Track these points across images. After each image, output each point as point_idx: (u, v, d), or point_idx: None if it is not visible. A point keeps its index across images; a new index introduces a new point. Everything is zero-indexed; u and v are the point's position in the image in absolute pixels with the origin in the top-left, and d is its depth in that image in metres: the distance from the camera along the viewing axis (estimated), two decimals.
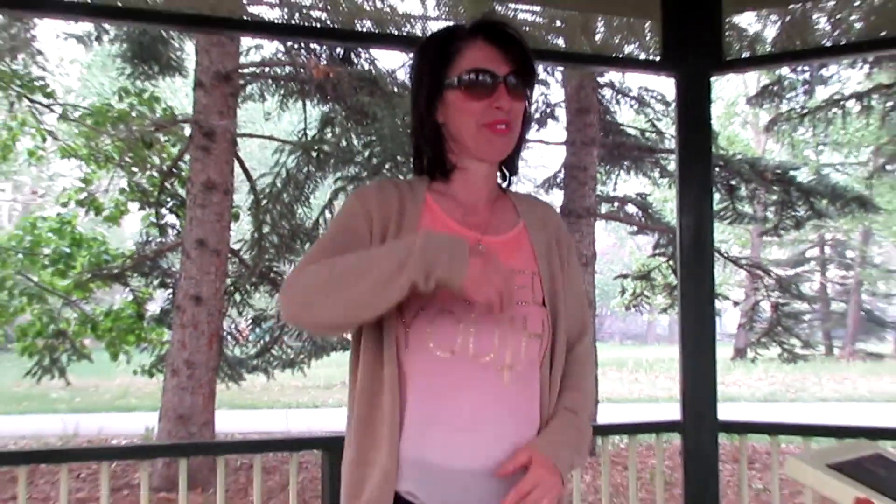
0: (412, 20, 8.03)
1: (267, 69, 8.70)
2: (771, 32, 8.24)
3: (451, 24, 1.55)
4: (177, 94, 11.41)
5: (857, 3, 6.62)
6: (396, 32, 8.15)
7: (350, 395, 1.47)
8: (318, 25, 7.93)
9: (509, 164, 1.57)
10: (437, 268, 1.23)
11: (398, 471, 1.37)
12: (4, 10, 8.22)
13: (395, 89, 8.27)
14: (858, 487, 1.24)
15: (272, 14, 8.01)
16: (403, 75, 8.57)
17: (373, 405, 1.40)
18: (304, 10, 7.36)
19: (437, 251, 1.24)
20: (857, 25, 6.48)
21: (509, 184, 1.61)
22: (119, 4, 7.13)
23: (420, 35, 8.81)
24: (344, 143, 8.31)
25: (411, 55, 5.31)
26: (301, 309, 1.36)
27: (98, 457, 4.12)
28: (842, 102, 8.64)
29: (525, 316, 1.42)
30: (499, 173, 1.59)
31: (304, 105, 8.51)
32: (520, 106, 1.46)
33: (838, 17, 6.75)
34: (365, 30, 8.33)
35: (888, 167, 9.82)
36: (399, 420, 1.38)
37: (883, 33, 5.69)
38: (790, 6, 6.27)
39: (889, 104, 8.22)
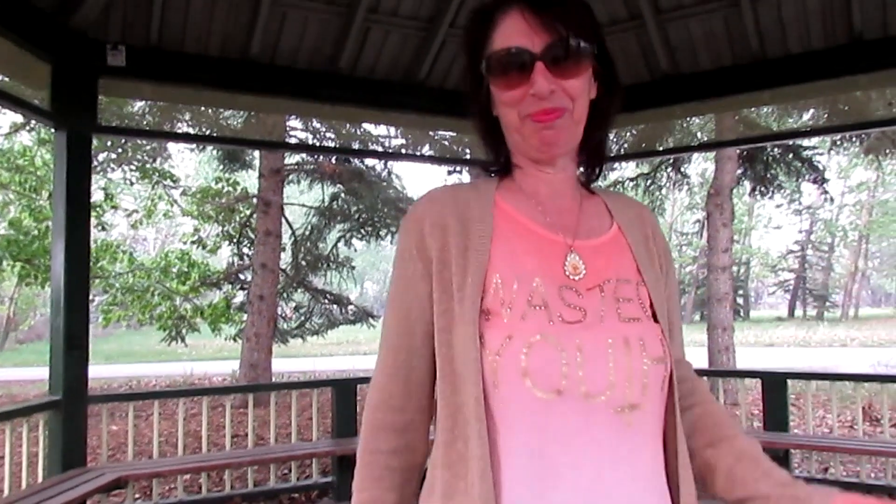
0: (381, 138, 10.90)
1: (300, 166, 10.99)
2: None
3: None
4: (248, 180, 12.74)
5: (626, 134, 9.15)
6: (372, 147, 11.06)
7: (434, 447, 0.90)
8: (329, 145, 10.68)
9: (590, 157, 1.00)
10: None
11: None
12: (150, 138, 11.04)
13: (373, 179, 10.92)
14: None
15: (303, 135, 10.34)
16: (380, 168, 11.17)
17: (457, 474, 0.84)
18: (321, 133, 10.29)
19: None
20: (627, 141, 9.04)
21: (593, 180, 1.03)
22: (215, 134, 10.29)
23: (385, 150, 11.38)
24: (344, 208, 10.98)
25: (383, 162, 8.83)
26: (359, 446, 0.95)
27: (200, 394, 5.23)
28: (623, 182, 11.58)
29: (641, 336, 0.86)
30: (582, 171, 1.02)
31: (322, 186, 11.08)
32: (575, 83, 0.88)
33: (619, 136, 9.61)
34: (355, 146, 11.47)
35: None
36: (494, 497, 0.81)
37: (643, 145, 7.37)
38: None
39: (648, 182, 11.12)
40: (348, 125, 9.25)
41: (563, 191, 0.97)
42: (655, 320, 0.91)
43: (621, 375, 0.83)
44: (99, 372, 13.04)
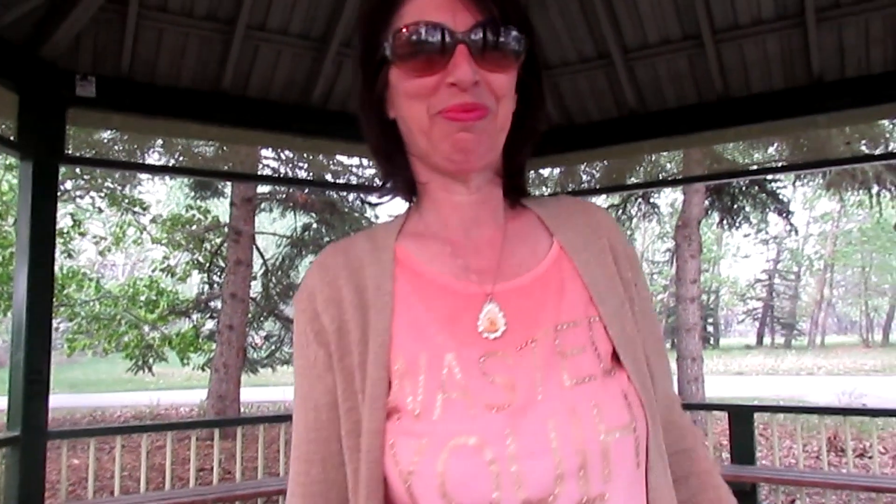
0: (354, 168, 10.86)
1: (272, 195, 10.94)
2: (553, 176, 11.19)
3: None
4: (220, 208, 12.72)
5: (597, 166, 9.45)
6: (346, 178, 11.09)
7: None
8: (301, 175, 10.60)
9: (511, 172, 0.76)
10: None
11: None
12: (119, 169, 10.89)
13: (345, 209, 10.95)
14: None
15: (276, 165, 10.03)
16: (351, 199, 11.11)
17: None
18: (294, 163, 10.12)
19: None
20: (597, 174, 9.33)
21: (517, 197, 0.78)
22: (186, 164, 10.09)
23: (358, 179, 11.54)
24: (316, 238, 10.90)
25: (355, 195, 8.11)
26: None
27: (163, 429, 5.33)
28: None
29: (596, 402, 0.64)
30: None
31: (294, 216, 10.95)
32: (503, 79, 0.68)
33: (590, 171, 9.71)
34: (328, 177, 11.42)
35: None
36: None
37: (614, 176, 7.41)
38: (568, 165, 9.06)
39: (619, 213, 11.08)
40: (321, 156, 9.27)
41: (479, 217, 0.74)
42: (618, 364, 0.68)
43: (571, 463, 0.61)
44: (63, 401, 12.78)
